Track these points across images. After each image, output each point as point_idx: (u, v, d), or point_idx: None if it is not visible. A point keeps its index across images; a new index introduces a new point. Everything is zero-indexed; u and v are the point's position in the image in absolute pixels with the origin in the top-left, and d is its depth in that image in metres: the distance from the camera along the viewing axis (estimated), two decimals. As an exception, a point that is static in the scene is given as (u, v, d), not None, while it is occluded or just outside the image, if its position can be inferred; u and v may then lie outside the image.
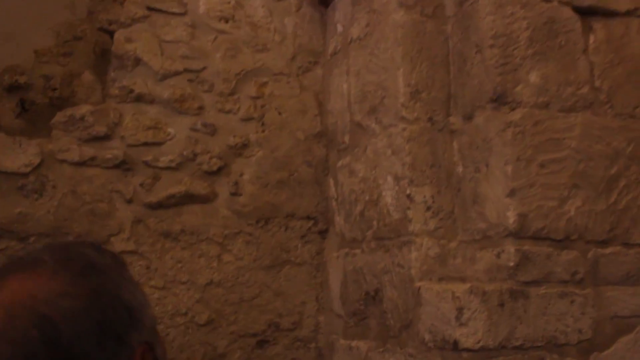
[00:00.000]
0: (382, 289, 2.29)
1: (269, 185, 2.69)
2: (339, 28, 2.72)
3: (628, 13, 2.33)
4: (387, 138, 2.30)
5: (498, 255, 2.00)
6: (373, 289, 2.35)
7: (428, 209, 2.18)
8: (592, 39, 2.25)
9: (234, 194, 2.64)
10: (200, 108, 2.61)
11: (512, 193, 1.99)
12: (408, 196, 2.18)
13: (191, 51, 2.62)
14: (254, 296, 2.62)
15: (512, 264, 1.96)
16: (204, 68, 2.63)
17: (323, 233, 2.78)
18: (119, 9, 2.61)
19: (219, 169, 2.62)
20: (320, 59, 2.83)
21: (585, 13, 2.25)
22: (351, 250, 2.54)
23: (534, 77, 2.11)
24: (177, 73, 2.59)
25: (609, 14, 2.30)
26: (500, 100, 2.08)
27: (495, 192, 2.04)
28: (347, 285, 2.54)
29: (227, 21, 2.68)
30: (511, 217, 1.98)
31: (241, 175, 2.65)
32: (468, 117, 2.20)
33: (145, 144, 2.52)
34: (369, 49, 2.44)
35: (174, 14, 2.61)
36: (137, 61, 2.55)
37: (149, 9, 2.57)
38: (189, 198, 2.57)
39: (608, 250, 2.12)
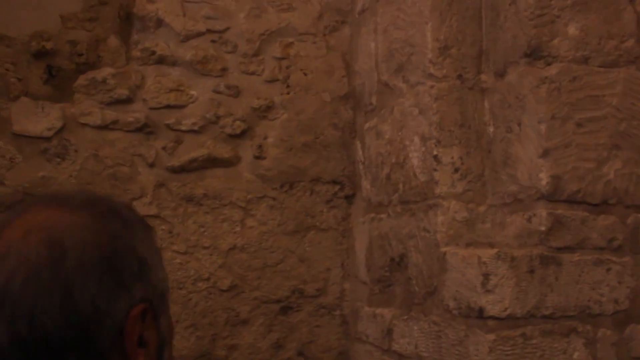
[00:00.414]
0: (407, 255, 2.20)
1: (294, 149, 2.61)
2: (367, -16, 2.60)
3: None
4: (414, 97, 2.19)
5: (529, 220, 1.89)
6: (398, 255, 2.26)
7: (456, 170, 2.08)
8: (639, -13, 2.09)
9: (258, 158, 2.58)
10: (223, 70, 2.54)
11: (545, 153, 1.87)
12: (435, 157, 2.07)
13: (214, 11, 2.54)
14: (277, 262, 2.57)
15: (543, 228, 1.84)
16: (227, 29, 2.56)
17: (349, 198, 2.70)
18: (142, -31, 2.56)
19: (243, 132, 2.56)
20: (347, 17, 2.72)
21: (632, -41, 2.08)
22: (377, 215, 2.46)
23: (572, 30, 1.96)
24: (199, 34, 2.52)
25: (658, -40, 2.12)
26: (535, 54, 1.94)
27: (527, 153, 1.92)
28: (373, 251, 2.46)
29: (251, -21, 2.59)
30: (544, 179, 1.86)
31: (265, 138, 2.59)
32: (500, 74, 2.07)
33: (168, 106, 2.48)
34: (397, 4, 2.32)
35: (196, -28, 2.54)
36: (159, 22, 2.49)
37: (171, -32, 2.50)
38: (212, 162, 2.52)
39: (650, 216, 1.98)
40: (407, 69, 2.24)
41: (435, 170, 2.07)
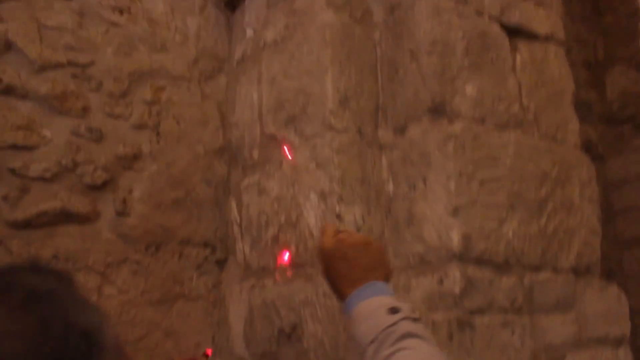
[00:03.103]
0: (302, 325, 1.98)
1: (163, 206, 2.30)
2: (249, 32, 2.45)
3: (547, 38, 2.32)
4: (310, 150, 2.04)
5: (440, 281, 1.80)
6: (289, 325, 2.03)
7: (358, 230, 1.94)
8: (518, 58, 2.20)
9: (121, 214, 2.21)
10: (85, 109, 2.19)
11: (455, 211, 1.81)
12: (337, 216, 1.92)
13: (77, 42, 2.20)
14: (140, 337, 2.19)
15: (457, 290, 1.76)
16: (92, 63, 2.22)
17: (221, 263, 2.42)
18: (-14, -17, 2.15)
19: (104, 183, 2.19)
20: (224, 66, 2.53)
21: (511, 32, 2.20)
22: (259, 281, 2.21)
23: (470, 89, 1.99)
24: (58, 65, 2.15)
25: (531, 36, 2.27)
26: (438, 110, 1.92)
27: (435, 211, 1.85)
28: (254, 322, 2.20)
29: (122, 13, 2.30)
30: (455, 238, 1.80)
31: (130, 192, 2.24)
32: (400, 130, 2.02)
33: (14, 147, 2.04)
34: (288, 53, 2.19)
35: (57, -4, 2.19)
36: (9, 46, 2.08)
37: (27, -14, 2.13)
38: (66, 217, 2.11)
39: (541, 276, 2.01)
40: (302, 119, 2.10)
41: (337, 228, 1.91)
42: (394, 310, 0.95)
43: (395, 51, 2.06)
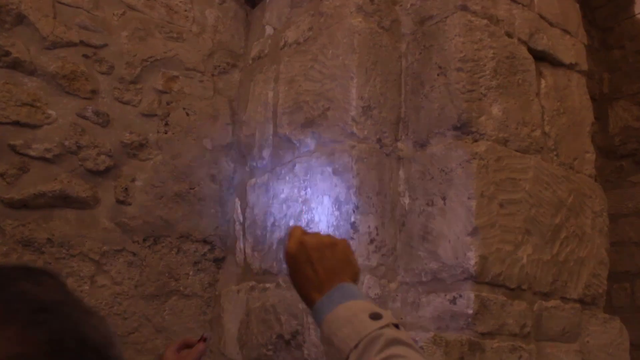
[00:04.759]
0: (303, 333, 1.92)
1: (165, 197, 2.22)
2: (269, 30, 2.39)
3: (570, 66, 2.30)
4: (328, 156, 1.99)
5: (453, 301, 1.75)
6: (290, 332, 1.97)
7: (371, 241, 1.89)
8: (543, 83, 2.18)
9: (121, 202, 2.13)
10: (94, 92, 2.10)
11: (474, 232, 1.77)
12: (352, 224, 1.86)
13: (92, 22, 2.11)
14: (130, 331, 2.10)
15: (471, 311, 1.71)
16: (105, 45, 2.14)
17: (219, 261, 2.35)
18: (2, -48, 2.05)
19: (107, 170, 2.10)
20: (239, 61, 2.46)
21: (537, 57, 2.18)
22: (260, 284, 2.14)
23: (496, 110, 1.95)
24: (70, 44, 2.06)
25: (556, 63, 2.25)
26: (464, 128, 1.88)
27: (453, 229, 1.81)
28: (250, 325, 2.13)
29: (140, -4, 2.23)
30: (472, 259, 1.75)
31: (133, 180, 2.16)
32: (421, 145, 1.97)
33: (17, 123, 1.95)
34: (311, 55, 2.13)
35: (76, -28, 2.10)
36: (20, 18, 1.99)
37: (46, -42, 2.04)
38: (64, 200, 2.02)
39: (550, 303, 1.98)
40: (321, 124, 2.04)
41: (351, 239, 1.85)
42: (375, 316, 0.89)
43: (422, 64, 2.02)
